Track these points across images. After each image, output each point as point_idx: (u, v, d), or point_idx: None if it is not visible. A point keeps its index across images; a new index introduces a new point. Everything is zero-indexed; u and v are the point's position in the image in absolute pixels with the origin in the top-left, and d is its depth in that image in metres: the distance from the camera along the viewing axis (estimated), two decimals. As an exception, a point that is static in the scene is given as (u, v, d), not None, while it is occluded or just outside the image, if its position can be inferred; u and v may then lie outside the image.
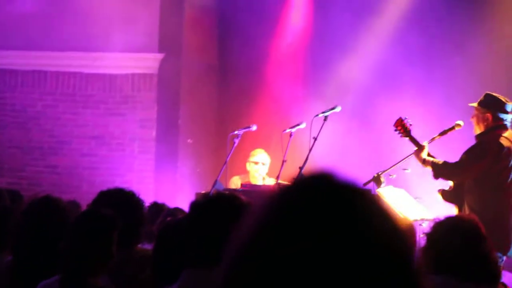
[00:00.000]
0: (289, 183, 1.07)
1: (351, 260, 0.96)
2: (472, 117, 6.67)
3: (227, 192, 7.25)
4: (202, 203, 2.70)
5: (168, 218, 4.59)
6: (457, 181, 6.64)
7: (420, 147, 6.80)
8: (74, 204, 5.74)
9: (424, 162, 6.74)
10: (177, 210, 5.34)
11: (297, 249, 0.97)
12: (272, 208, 1.03)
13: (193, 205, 2.69)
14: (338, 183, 1.04)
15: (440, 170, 6.63)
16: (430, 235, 3.32)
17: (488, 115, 6.56)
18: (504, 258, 6.25)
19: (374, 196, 1.05)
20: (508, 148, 6.45)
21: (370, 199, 1.03)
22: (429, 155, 6.81)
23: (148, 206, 5.48)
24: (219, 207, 2.61)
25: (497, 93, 6.70)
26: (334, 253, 0.96)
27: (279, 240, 0.98)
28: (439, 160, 6.71)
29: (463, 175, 6.57)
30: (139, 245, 4.21)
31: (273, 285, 0.97)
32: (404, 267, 1.00)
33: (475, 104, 6.66)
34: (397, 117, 7.04)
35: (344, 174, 1.05)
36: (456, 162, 6.58)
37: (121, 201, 3.95)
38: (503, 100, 6.59)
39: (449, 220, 3.39)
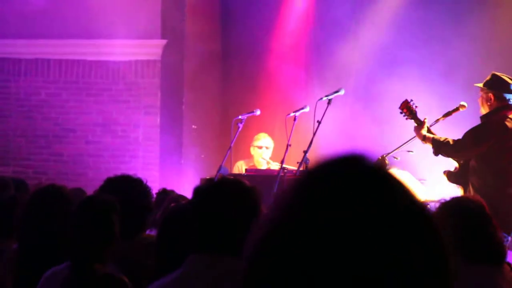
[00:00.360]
0: (314, 167, 1.05)
1: (390, 241, 0.96)
2: (479, 98, 6.66)
3: (231, 177, 7.28)
4: (206, 188, 2.70)
5: (172, 204, 4.61)
6: (456, 158, 6.65)
7: (420, 123, 6.79)
8: (80, 191, 5.75)
9: (424, 138, 6.74)
10: (181, 197, 5.34)
11: (336, 230, 0.96)
12: (304, 192, 1.02)
13: (197, 190, 2.69)
14: (371, 165, 1.04)
15: (441, 147, 6.63)
16: (435, 216, 3.31)
17: (490, 95, 6.55)
18: (510, 238, 6.26)
19: (398, 177, 1.05)
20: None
21: (400, 181, 1.04)
22: (429, 131, 6.80)
23: (157, 193, 5.48)
24: (223, 192, 2.62)
25: (503, 71, 6.68)
26: (373, 236, 0.96)
27: (314, 226, 0.97)
28: (440, 137, 6.70)
29: (462, 154, 6.58)
30: (147, 232, 4.23)
31: (308, 272, 0.96)
32: (439, 246, 1.01)
33: (480, 85, 6.64)
34: (403, 99, 7.02)
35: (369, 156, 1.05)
36: (458, 141, 6.56)
37: (128, 188, 3.94)
38: (508, 79, 6.56)
39: (453, 201, 3.39)
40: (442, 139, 6.65)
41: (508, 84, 6.55)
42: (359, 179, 1.01)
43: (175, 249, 3.14)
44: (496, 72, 6.66)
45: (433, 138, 6.69)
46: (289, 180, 7.09)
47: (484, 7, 9.12)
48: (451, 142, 6.60)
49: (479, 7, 9.13)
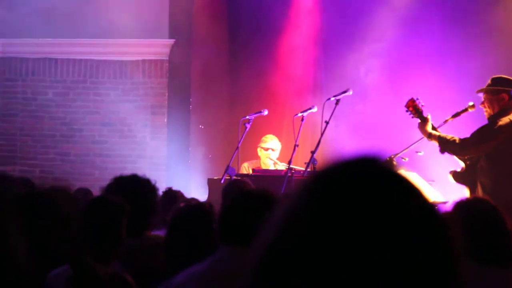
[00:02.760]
0: (325, 168, 1.05)
1: (402, 242, 0.96)
2: (482, 103, 6.62)
3: (238, 177, 7.26)
4: (241, 198, 2.97)
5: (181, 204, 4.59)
6: (463, 156, 6.61)
7: (424, 120, 6.75)
8: (85, 191, 5.73)
9: (430, 136, 6.70)
10: (193, 200, 5.31)
11: (347, 232, 0.96)
12: (317, 194, 1.01)
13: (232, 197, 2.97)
14: (383, 167, 1.04)
15: (447, 145, 6.59)
16: (447, 217, 3.28)
17: (504, 94, 6.52)
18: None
19: (410, 180, 1.05)
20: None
21: (411, 183, 1.04)
22: (433, 128, 6.76)
23: (163, 192, 5.46)
24: (255, 201, 2.89)
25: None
26: (385, 237, 0.96)
27: (322, 227, 0.97)
28: (446, 135, 6.66)
29: (469, 152, 6.55)
30: (155, 232, 4.20)
31: (320, 274, 0.95)
32: (449, 247, 1.01)
33: (485, 88, 6.61)
34: (409, 98, 6.98)
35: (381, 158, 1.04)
36: (465, 140, 6.53)
37: (135, 188, 3.93)
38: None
39: (466, 202, 3.37)
40: (448, 137, 6.62)
41: None
42: (371, 181, 1.01)
43: (185, 248, 3.17)
44: (496, 75, 6.65)
45: (439, 135, 6.65)
46: (298, 181, 7.07)
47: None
48: (457, 140, 6.56)
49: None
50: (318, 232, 0.96)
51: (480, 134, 6.48)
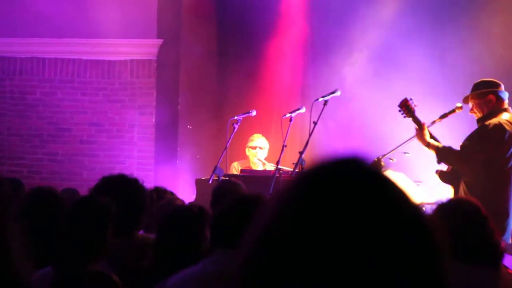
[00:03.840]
0: (312, 168, 1.06)
1: (385, 243, 0.97)
2: (471, 110, 6.65)
3: (226, 177, 7.27)
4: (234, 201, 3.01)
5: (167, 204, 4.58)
6: (461, 168, 6.59)
7: (421, 127, 6.76)
8: (72, 191, 5.72)
9: (428, 145, 6.71)
10: (174, 198, 5.30)
11: (330, 233, 0.97)
12: (301, 194, 1.02)
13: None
14: (367, 168, 1.05)
15: (444, 156, 6.61)
16: (431, 218, 3.30)
17: (491, 96, 6.55)
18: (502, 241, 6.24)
19: (396, 182, 1.06)
20: (510, 132, 6.43)
21: (395, 184, 1.05)
22: (431, 136, 6.78)
23: (150, 191, 5.44)
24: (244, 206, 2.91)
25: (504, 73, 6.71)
26: (368, 237, 0.97)
27: (307, 225, 0.98)
28: (443, 145, 6.67)
29: (468, 163, 6.52)
30: (144, 232, 4.20)
31: (299, 271, 0.97)
32: (433, 248, 1.02)
33: (470, 94, 6.63)
34: (401, 99, 7.00)
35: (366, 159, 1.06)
36: (461, 151, 6.51)
37: (123, 187, 3.92)
38: (495, 80, 6.62)
39: (450, 202, 3.39)
40: (446, 148, 6.62)
41: (498, 83, 6.60)
42: (355, 182, 1.02)
43: (174, 250, 3.18)
44: (478, 80, 6.69)
45: (437, 147, 6.65)
46: (285, 181, 7.07)
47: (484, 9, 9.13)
48: (455, 152, 6.55)
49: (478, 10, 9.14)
50: (304, 231, 0.97)
51: (472, 144, 6.47)
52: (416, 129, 6.79)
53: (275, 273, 0.98)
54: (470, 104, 6.65)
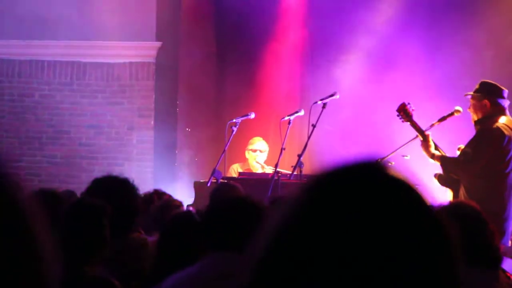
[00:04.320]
0: (326, 173, 1.04)
1: (406, 248, 0.97)
2: (469, 108, 6.66)
3: (225, 180, 7.26)
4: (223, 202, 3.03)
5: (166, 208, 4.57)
6: (466, 177, 6.57)
7: (424, 138, 6.74)
8: (70, 193, 5.70)
9: (433, 157, 6.71)
10: (172, 200, 5.30)
11: (345, 238, 0.96)
12: (316, 197, 1.01)
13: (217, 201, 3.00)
14: (384, 172, 1.03)
15: (450, 167, 6.61)
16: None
17: (486, 101, 6.55)
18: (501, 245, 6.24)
19: (415, 187, 1.05)
20: (509, 137, 6.44)
21: (413, 187, 1.04)
22: (436, 148, 6.76)
23: (148, 194, 5.43)
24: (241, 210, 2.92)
25: (500, 77, 6.70)
26: (388, 242, 0.96)
27: (324, 231, 0.97)
28: (447, 155, 6.68)
29: (471, 171, 6.52)
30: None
31: (318, 278, 0.96)
32: (451, 250, 1.02)
33: (471, 93, 6.64)
34: (399, 103, 7.00)
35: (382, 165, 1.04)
36: (464, 160, 6.50)
37: (115, 188, 3.89)
38: (500, 86, 6.60)
39: (450, 205, 3.39)
40: (451, 159, 6.62)
41: (501, 89, 6.58)
42: (373, 186, 1.01)
43: (176, 255, 3.19)
44: (484, 80, 6.69)
45: (441, 157, 6.65)
46: (288, 185, 7.07)
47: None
48: (460, 163, 6.55)
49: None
50: (318, 237, 0.96)
51: (474, 151, 6.47)
52: (421, 141, 6.78)
53: (288, 279, 0.97)
54: (470, 101, 6.66)
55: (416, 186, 1.05)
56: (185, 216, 3.59)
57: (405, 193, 1.02)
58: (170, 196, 5.56)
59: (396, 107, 6.97)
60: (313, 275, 0.95)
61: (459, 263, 1.02)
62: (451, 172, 6.63)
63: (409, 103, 6.95)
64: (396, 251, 0.96)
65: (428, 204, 1.04)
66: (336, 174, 1.03)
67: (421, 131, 6.79)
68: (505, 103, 6.59)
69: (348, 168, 1.04)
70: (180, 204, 5.04)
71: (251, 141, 8.80)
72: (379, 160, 5.43)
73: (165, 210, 4.64)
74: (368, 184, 1.01)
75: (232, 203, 2.96)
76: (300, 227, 0.98)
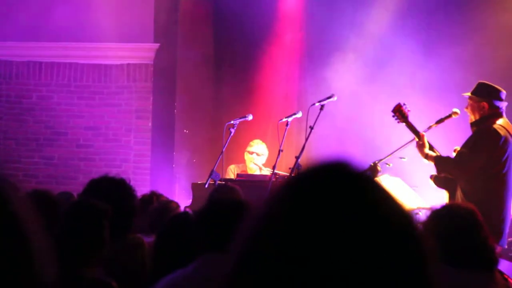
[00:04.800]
0: (300, 172, 1.08)
1: (369, 244, 0.98)
2: (466, 107, 6.66)
3: (223, 182, 7.26)
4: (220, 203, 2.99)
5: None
6: (461, 177, 6.57)
7: (420, 138, 6.74)
8: (68, 195, 5.70)
9: (426, 157, 6.71)
10: (169, 201, 5.30)
11: (315, 236, 0.98)
12: (286, 196, 1.04)
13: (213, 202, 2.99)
14: (353, 171, 1.05)
15: (443, 167, 6.60)
16: (427, 223, 3.32)
17: (484, 103, 6.55)
18: (498, 247, 6.25)
19: (382, 185, 1.06)
20: (505, 137, 6.44)
21: (382, 187, 1.05)
22: (431, 148, 6.76)
23: (144, 195, 5.43)
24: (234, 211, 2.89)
25: (497, 77, 6.70)
26: (352, 239, 0.98)
27: (294, 229, 0.99)
28: (441, 155, 6.67)
29: (467, 171, 6.51)
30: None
31: (289, 272, 0.98)
32: (417, 249, 1.03)
33: (468, 94, 6.65)
34: (396, 103, 7.00)
35: (354, 163, 1.07)
36: (458, 160, 6.51)
37: (111, 189, 3.89)
38: (498, 88, 6.60)
39: (446, 207, 3.40)
40: (444, 159, 6.62)
41: (498, 91, 6.58)
42: (340, 186, 1.03)
43: (173, 256, 3.19)
44: (482, 81, 6.69)
45: (435, 157, 6.65)
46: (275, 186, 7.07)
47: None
48: (453, 162, 6.55)
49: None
50: (292, 236, 0.98)
51: (469, 152, 6.47)
52: (416, 141, 6.78)
53: (265, 277, 0.98)
54: (467, 101, 6.66)
55: (384, 186, 1.06)
56: (182, 217, 3.60)
57: (373, 191, 1.04)
58: (167, 198, 5.56)
59: (391, 109, 6.98)
60: (287, 272, 0.97)
61: (429, 262, 1.02)
62: (445, 172, 6.63)
63: (404, 104, 6.95)
64: (362, 250, 0.97)
65: (396, 202, 1.05)
66: (305, 175, 1.06)
67: (416, 132, 6.79)
68: (503, 104, 6.59)
69: (317, 169, 1.06)
70: (177, 206, 5.04)
71: (251, 143, 8.81)
72: (373, 162, 5.41)
73: (162, 211, 4.64)
74: (335, 184, 1.03)
75: (228, 204, 2.95)
76: (274, 227, 1.00)
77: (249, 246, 1.02)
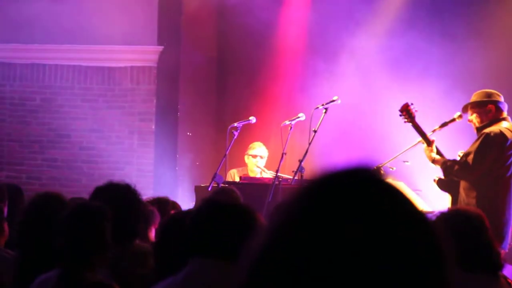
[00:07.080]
0: (318, 178, 1.05)
1: (396, 252, 0.97)
2: (470, 120, 6.65)
3: (226, 185, 7.26)
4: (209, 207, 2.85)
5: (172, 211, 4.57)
6: (468, 179, 6.57)
7: (429, 143, 6.74)
8: (80, 200, 5.69)
9: (433, 161, 6.71)
10: (175, 204, 5.29)
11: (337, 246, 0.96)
12: (308, 203, 1.02)
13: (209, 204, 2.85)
14: (374, 177, 1.04)
15: (450, 171, 6.60)
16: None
17: (491, 106, 6.56)
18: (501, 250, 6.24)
19: (402, 190, 1.05)
20: (511, 140, 6.45)
21: (403, 192, 1.04)
22: (438, 152, 6.76)
23: (149, 202, 5.41)
24: (231, 215, 2.77)
25: (499, 84, 6.71)
26: (379, 246, 0.97)
27: (317, 236, 0.97)
28: (448, 159, 6.67)
29: (474, 174, 6.51)
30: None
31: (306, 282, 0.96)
32: (440, 256, 1.02)
33: (469, 104, 6.65)
34: (401, 106, 6.99)
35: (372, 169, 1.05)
36: (466, 164, 6.49)
37: (117, 196, 3.89)
38: (493, 90, 6.64)
39: (452, 211, 3.39)
40: (451, 163, 6.61)
41: (496, 93, 6.63)
42: (363, 191, 1.01)
43: (173, 257, 3.16)
44: (477, 91, 6.71)
45: (442, 161, 6.65)
46: (286, 190, 7.07)
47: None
48: (460, 166, 6.54)
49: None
50: (313, 243, 0.97)
51: (476, 155, 6.46)
52: (424, 146, 6.78)
53: (282, 284, 0.97)
54: (469, 113, 6.66)
55: (408, 192, 1.05)
56: (179, 220, 3.56)
57: (396, 198, 1.03)
58: (174, 204, 5.54)
59: (398, 108, 6.97)
60: (307, 281, 0.95)
61: (449, 269, 1.02)
62: (452, 175, 6.63)
63: (412, 104, 6.94)
64: (385, 256, 0.96)
65: (419, 210, 1.04)
66: (328, 180, 1.04)
67: (424, 135, 6.79)
68: (505, 106, 6.62)
69: (340, 174, 1.04)
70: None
71: (251, 145, 8.79)
72: (376, 166, 5.42)
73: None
74: (359, 190, 1.01)
75: (222, 208, 2.80)
76: (292, 233, 0.99)
77: (267, 256, 0.99)
